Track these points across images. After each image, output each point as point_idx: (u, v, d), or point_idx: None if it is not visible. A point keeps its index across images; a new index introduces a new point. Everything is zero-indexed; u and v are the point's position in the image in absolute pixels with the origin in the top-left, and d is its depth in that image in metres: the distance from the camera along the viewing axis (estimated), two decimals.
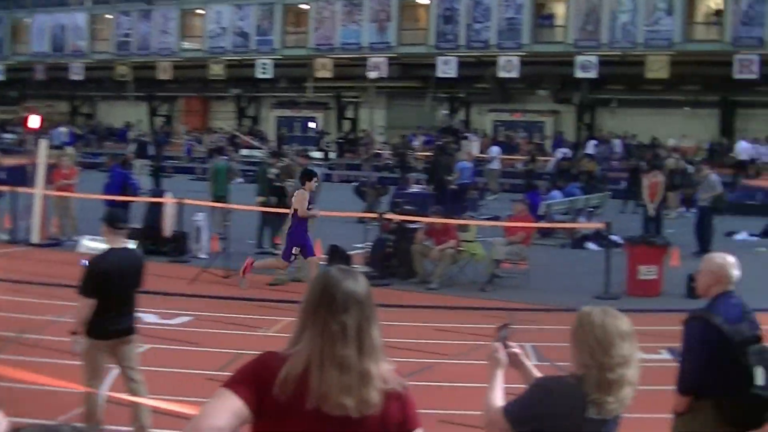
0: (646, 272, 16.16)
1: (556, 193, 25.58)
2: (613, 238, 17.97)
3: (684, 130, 43.75)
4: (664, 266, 16.57)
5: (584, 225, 22.92)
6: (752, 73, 39.74)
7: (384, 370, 3.36)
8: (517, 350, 4.62)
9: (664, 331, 11.78)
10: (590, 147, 42.16)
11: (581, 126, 47.51)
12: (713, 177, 22.11)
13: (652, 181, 22.25)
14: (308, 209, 15.12)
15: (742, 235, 24.88)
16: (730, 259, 6.30)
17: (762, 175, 38.13)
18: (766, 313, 13.47)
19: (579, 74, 43.31)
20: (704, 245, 19.83)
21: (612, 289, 15.66)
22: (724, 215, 23.75)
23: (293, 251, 15.04)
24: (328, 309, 3.31)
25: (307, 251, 15.19)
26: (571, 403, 4.11)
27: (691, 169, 29.87)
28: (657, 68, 41.69)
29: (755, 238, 24.58)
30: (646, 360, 10.98)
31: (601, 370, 4.09)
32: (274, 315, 13.58)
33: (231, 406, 3.20)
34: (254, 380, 3.28)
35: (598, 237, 20.73)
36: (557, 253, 21.40)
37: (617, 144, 44.12)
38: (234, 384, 3.28)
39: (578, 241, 22.17)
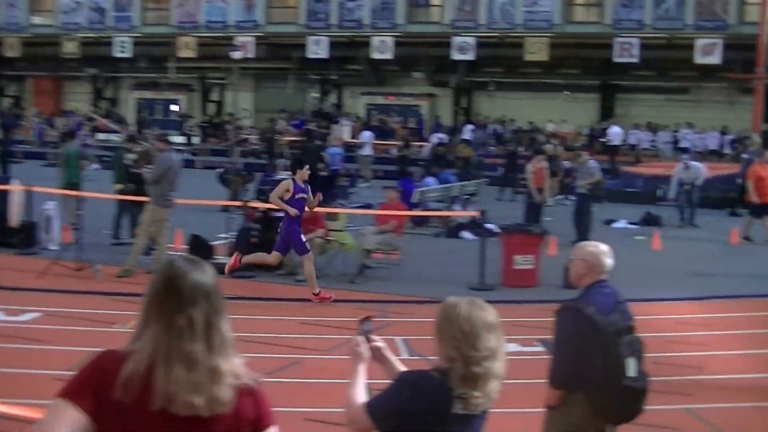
0: (523, 262, 16.40)
1: (430, 179, 25.77)
2: (489, 226, 18.18)
3: (563, 114, 44.61)
4: (541, 256, 16.85)
5: (459, 213, 23.15)
6: (632, 57, 40.72)
7: (235, 366, 3.31)
8: (380, 344, 4.61)
9: (540, 322, 11.97)
10: (467, 132, 42.64)
11: (458, 110, 48.03)
12: (592, 163, 22.53)
13: (537, 167, 22.53)
14: (298, 198, 14.40)
15: (621, 224, 25.50)
16: (603, 247, 6.40)
17: (642, 162, 39.13)
18: (643, 303, 13.88)
19: (456, 56, 43.71)
20: (582, 234, 20.20)
21: (487, 280, 15.82)
22: (603, 203, 24.27)
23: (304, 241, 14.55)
24: (174, 302, 3.24)
25: (290, 247, 14.79)
26: (435, 399, 4.12)
27: (566, 164, 30.38)
28: (536, 50, 42.37)
29: (634, 227, 25.21)
30: (521, 352, 11.20)
31: (466, 363, 4.10)
32: (130, 309, 13.34)
33: (68, 418, 3.11)
34: (92, 385, 3.18)
35: (473, 225, 20.96)
36: (431, 242, 21.59)
37: (495, 129, 44.73)
38: (70, 392, 3.18)
39: (453, 229, 22.39)
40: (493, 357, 4.15)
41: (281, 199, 14.36)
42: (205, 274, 3.32)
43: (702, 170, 26.35)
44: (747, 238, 22.71)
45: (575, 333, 6.07)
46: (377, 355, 4.59)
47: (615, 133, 40.40)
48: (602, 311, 6.09)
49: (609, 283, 6.34)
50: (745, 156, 29.04)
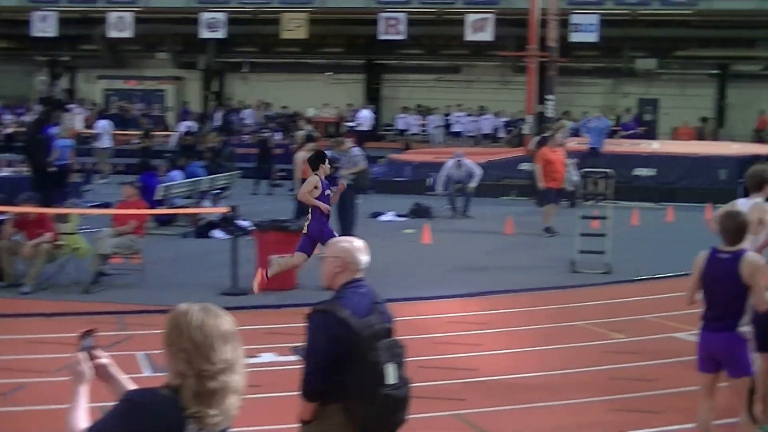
0: None
1: (176, 173, 25.56)
2: (243, 224, 18.23)
3: (326, 97, 44.96)
4: None
5: (209, 210, 23.04)
6: (399, 34, 41.45)
7: None
8: (105, 361, 4.53)
9: (299, 329, 11.99)
10: (218, 119, 42.50)
11: (208, 95, 47.86)
12: (355, 151, 22.73)
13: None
14: (327, 194, 15.55)
15: (388, 216, 25.95)
16: (358, 243, 6.49)
17: (411, 148, 39.86)
18: (409, 302, 14.18)
19: (204, 34, 43.53)
20: (346, 228, 20.36)
21: (241, 283, 15.79)
22: (368, 194, 24.61)
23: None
24: None
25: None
26: (166, 419, 4.08)
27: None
28: (294, 27, 42.57)
29: (403, 219, 25.69)
30: (277, 362, 11.23)
31: (200, 378, 4.07)
32: None
33: None
34: None
35: (225, 223, 20.92)
36: (178, 243, 21.44)
37: (249, 115, 44.74)
38: None
39: (203, 228, 22.29)
40: (230, 370, 4.15)
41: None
42: None
43: (476, 171, 26.82)
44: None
45: (328, 339, 6.12)
46: (102, 373, 4.51)
47: (364, 117, 41.02)
48: (358, 313, 6.16)
49: (366, 282, 6.43)
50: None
